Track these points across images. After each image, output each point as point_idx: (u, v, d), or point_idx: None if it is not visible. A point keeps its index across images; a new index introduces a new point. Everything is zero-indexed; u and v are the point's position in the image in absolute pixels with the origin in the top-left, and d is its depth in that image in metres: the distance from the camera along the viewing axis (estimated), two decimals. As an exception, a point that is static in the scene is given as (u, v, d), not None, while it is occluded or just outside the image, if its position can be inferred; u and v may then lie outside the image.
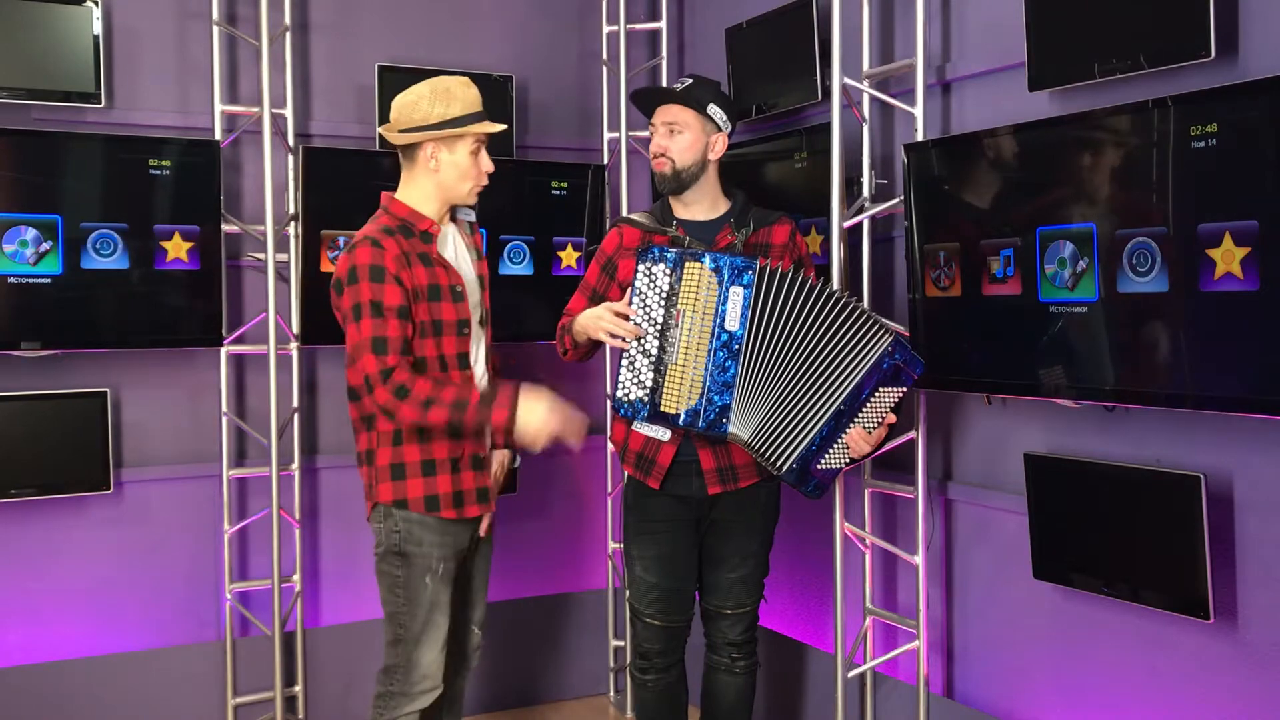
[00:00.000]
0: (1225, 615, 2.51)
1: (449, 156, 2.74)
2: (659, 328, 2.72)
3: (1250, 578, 2.48)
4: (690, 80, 2.95)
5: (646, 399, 2.72)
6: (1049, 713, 2.96)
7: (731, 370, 2.69)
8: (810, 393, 2.72)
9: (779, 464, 2.74)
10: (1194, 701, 2.60)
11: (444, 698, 2.91)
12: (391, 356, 2.60)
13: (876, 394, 2.73)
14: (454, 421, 2.61)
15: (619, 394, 2.75)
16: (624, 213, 4.18)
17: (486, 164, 2.78)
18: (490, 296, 2.92)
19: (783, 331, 2.71)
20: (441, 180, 2.75)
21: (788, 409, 2.72)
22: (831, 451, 2.75)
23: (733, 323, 2.68)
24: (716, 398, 2.70)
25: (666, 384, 2.71)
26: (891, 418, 2.77)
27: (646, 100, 2.98)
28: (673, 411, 2.71)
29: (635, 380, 2.73)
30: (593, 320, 2.81)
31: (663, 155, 2.91)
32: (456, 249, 2.83)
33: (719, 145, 2.95)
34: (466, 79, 2.78)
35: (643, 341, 2.73)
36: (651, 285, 2.72)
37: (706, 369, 2.69)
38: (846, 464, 2.79)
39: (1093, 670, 2.84)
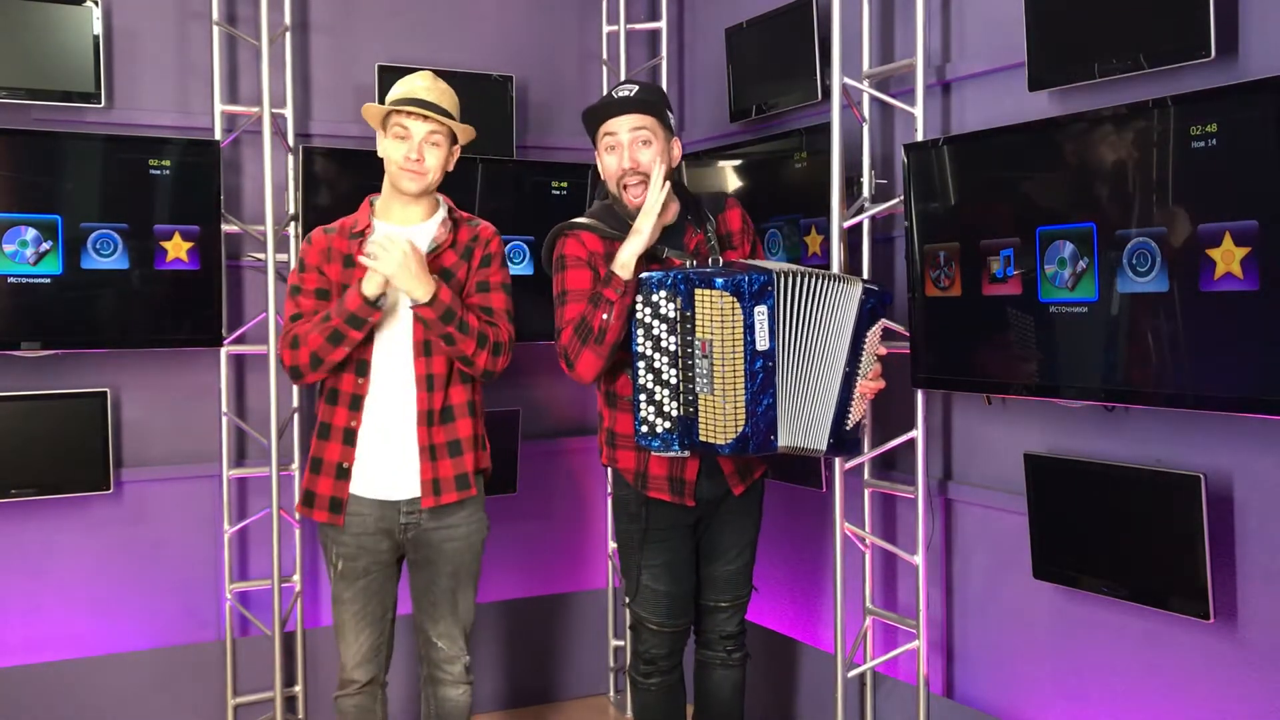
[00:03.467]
0: (1225, 615, 2.51)
1: (383, 145, 2.78)
2: (674, 356, 2.62)
3: (1250, 578, 2.48)
4: (637, 86, 2.78)
5: (675, 430, 2.63)
6: (1049, 713, 2.96)
7: (771, 390, 2.61)
8: (824, 372, 2.70)
9: (820, 446, 2.71)
10: (1194, 701, 2.60)
11: (430, 706, 2.95)
12: (297, 324, 2.74)
13: (865, 339, 2.73)
14: (329, 331, 2.66)
15: (642, 429, 2.66)
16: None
17: (401, 150, 2.71)
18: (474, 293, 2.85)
19: (803, 332, 2.67)
20: (386, 168, 2.78)
21: (813, 398, 2.70)
22: (852, 410, 2.74)
23: (763, 342, 2.58)
24: (763, 421, 2.61)
25: (703, 415, 2.60)
26: (882, 350, 2.78)
27: (605, 113, 2.75)
28: (720, 442, 2.59)
29: (659, 413, 2.65)
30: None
31: (635, 172, 2.71)
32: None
33: (677, 152, 2.83)
34: (433, 74, 2.81)
35: (659, 372, 2.63)
36: (655, 314, 2.63)
37: (748, 393, 2.58)
38: (866, 413, 2.81)
39: (1093, 670, 2.84)
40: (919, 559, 3.16)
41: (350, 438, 2.77)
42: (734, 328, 2.55)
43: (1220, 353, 2.32)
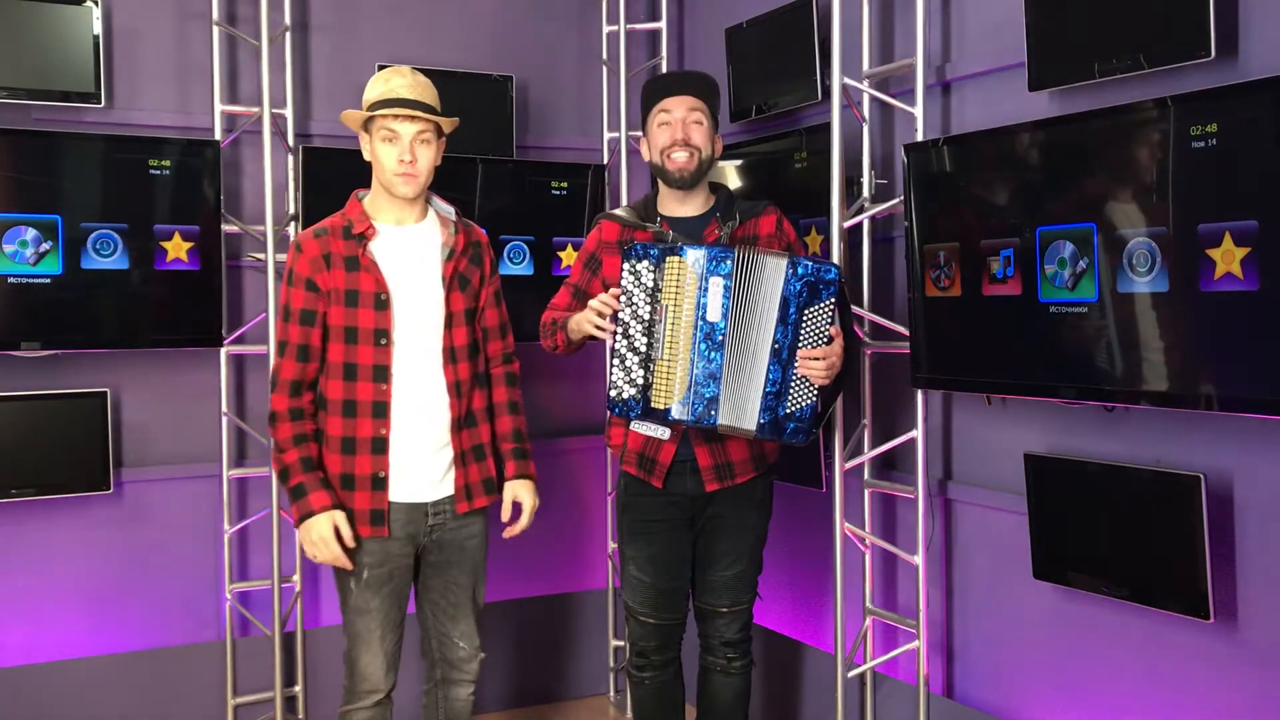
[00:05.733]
0: (1225, 615, 2.51)
1: (368, 146, 2.73)
2: (646, 324, 2.71)
3: (1250, 578, 2.48)
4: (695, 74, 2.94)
5: (639, 396, 2.72)
6: (1049, 713, 2.96)
7: (717, 361, 2.68)
8: (755, 348, 2.69)
9: (749, 427, 2.71)
10: (1194, 701, 2.60)
11: (439, 710, 2.94)
12: (285, 361, 2.69)
13: (804, 319, 2.69)
14: (288, 485, 2.70)
15: (611, 393, 2.74)
16: (624, 213, 4.17)
17: (393, 153, 2.65)
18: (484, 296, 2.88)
19: (743, 307, 2.68)
20: (376, 172, 2.72)
21: (745, 375, 2.70)
22: (793, 392, 2.71)
23: (714, 314, 2.67)
24: (704, 390, 2.69)
25: (655, 379, 2.71)
26: (834, 331, 2.70)
27: (667, 89, 2.89)
28: (662, 407, 2.71)
29: (627, 378, 2.73)
30: (583, 316, 2.80)
31: (687, 145, 2.83)
32: (412, 250, 2.75)
33: (719, 146, 2.95)
34: (409, 69, 2.74)
35: (632, 339, 2.72)
36: (637, 282, 2.71)
37: (692, 361, 2.68)
38: (816, 397, 2.71)
39: (1093, 670, 2.84)
40: (919, 559, 3.16)
41: (381, 446, 2.69)
42: (688, 294, 2.68)
43: (1220, 353, 2.32)
